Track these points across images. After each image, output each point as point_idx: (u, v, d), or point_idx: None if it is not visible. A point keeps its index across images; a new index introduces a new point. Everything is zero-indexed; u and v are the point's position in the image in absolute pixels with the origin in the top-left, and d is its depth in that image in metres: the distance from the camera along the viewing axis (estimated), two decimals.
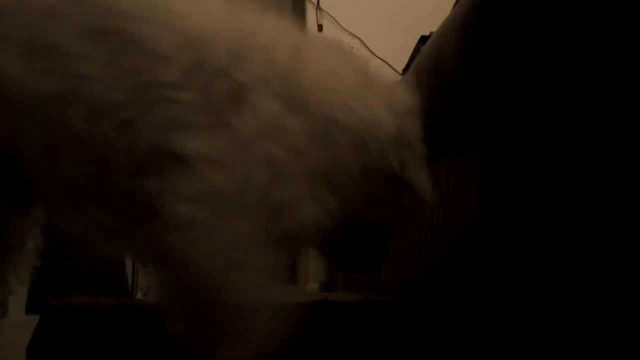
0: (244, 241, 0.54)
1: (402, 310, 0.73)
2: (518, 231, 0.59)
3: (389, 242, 0.69)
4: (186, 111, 0.56)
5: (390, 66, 2.79)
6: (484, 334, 0.61)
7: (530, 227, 0.59)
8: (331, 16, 2.87)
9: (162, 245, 0.54)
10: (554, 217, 0.58)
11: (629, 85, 0.58)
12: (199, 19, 0.61)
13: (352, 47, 2.89)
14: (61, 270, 1.64)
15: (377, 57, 2.82)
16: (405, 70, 2.38)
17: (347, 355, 0.67)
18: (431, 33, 0.96)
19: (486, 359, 0.61)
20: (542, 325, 0.58)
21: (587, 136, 0.59)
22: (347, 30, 2.84)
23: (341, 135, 0.58)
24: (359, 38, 2.83)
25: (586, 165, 0.58)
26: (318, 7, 2.86)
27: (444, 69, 0.71)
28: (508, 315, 0.59)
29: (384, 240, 0.68)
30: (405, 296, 0.82)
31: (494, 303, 0.60)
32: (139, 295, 2.48)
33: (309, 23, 2.86)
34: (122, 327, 0.69)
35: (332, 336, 0.68)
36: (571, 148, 0.59)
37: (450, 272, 0.74)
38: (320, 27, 2.87)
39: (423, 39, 2.01)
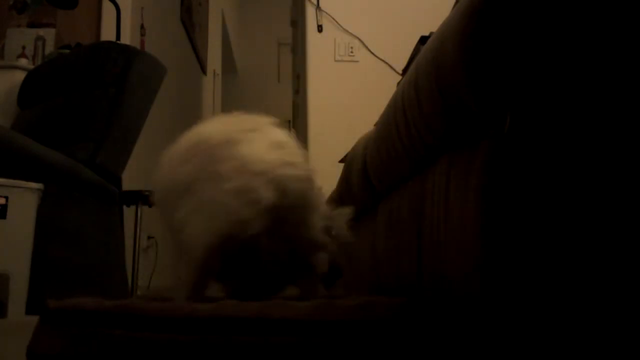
0: None
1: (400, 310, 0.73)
2: (520, 231, 0.59)
3: None
4: None
5: (390, 66, 2.80)
6: (487, 340, 0.61)
7: (533, 227, 0.59)
8: (331, 16, 2.87)
9: None
10: (557, 217, 0.58)
11: (629, 85, 0.58)
12: None
13: (352, 48, 2.89)
14: (61, 270, 1.65)
15: (377, 57, 2.83)
16: (405, 70, 2.38)
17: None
18: (431, 33, 0.96)
19: None
20: (548, 332, 0.58)
21: (587, 136, 0.59)
22: (347, 30, 2.85)
23: None
24: (358, 38, 2.84)
25: (585, 164, 0.59)
26: (318, 7, 2.86)
27: (444, 69, 0.71)
28: (510, 320, 0.59)
29: None
30: (405, 297, 0.82)
31: (494, 304, 0.60)
32: None
33: (309, 23, 2.86)
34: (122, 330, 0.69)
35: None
36: (571, 148, 0.59)
37: (450, 271, 0.74)
38: (320, 27, 2.87)
39: (423, 39, 2.01)
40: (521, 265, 0.59)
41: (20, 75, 2.46)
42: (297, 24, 3.51)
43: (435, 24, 0.84)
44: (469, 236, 0.65)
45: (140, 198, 2.36)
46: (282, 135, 0.87)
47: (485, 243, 0.62)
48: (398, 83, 1.62)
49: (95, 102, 1.98)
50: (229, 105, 6.89)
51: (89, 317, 0.71)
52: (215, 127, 0.90)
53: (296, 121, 3.87)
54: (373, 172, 1.20)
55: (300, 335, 0.64)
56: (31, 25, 2.97)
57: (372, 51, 2.88)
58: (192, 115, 4.79)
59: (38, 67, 2.46)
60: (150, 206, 2.53)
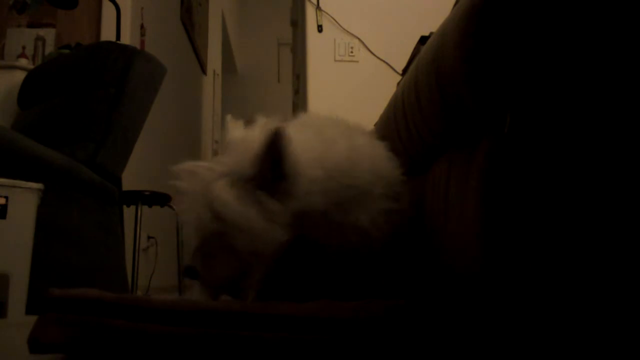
0: None
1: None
2: (520, 230, 0.59)
3: None
4: None
5: (390, 66, 2.80)
6: (486, 340, 0.61)
7: (533, 227, 0.59)
8: (331, 16, 2.87)
9: None
10: (557, 216, 0.58)
11: (629, 85, 0.58)
12: None
13: (352, 48, 2.88)
14: (61, 270, 1.65)
15: (377, 57, 2.83)
16: (405, 70, 2.38)
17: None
18: (431, 33, 0.96)
19: None
20: (548, 332, 0.58)
21: (587, 136, 0.59)
22: (347, 31, 2.85)
23: None
24: (358, 38, 2.84)
25: (585, 164, 0.59)
26: (318, 7, 2.86)
27: (444, 69, 0.71)
28: (510, 320, 0.59)
29: None
30: (406, 298, 0.82)
31: (494, 303, 0.60)
32: None
33: (309, 23, 2.86)
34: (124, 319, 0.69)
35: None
36: (571, 148, 0.59)
37: (451, 272, 0.74)
38: (320, 28, 2.87)
39: (423, 39, 2.01)
40: (521, 264, 0.59)
41: (20, 75, 2.46)
42: (297, 24, 3.51)
43: (435, 24, 0.84)
44: (469, 236, 0.65)
45: (140, 198, 2.35)
46: None
47: (485, 242, 0.62)
48: (398, 83, 1.62)
49: (95, 102, 1.98)
50: (229, 105, 6.89)
51: (93, 307, 0.71)
52: None
53: None
54: None
55: (304, 331, 0.64)
56: (31, 25, 2.98)
57: (372, 51, 2.87)
58: (192, 115, 4.79)
59: (38, 67, 2.46)
60: (150, 206, 2.53)
